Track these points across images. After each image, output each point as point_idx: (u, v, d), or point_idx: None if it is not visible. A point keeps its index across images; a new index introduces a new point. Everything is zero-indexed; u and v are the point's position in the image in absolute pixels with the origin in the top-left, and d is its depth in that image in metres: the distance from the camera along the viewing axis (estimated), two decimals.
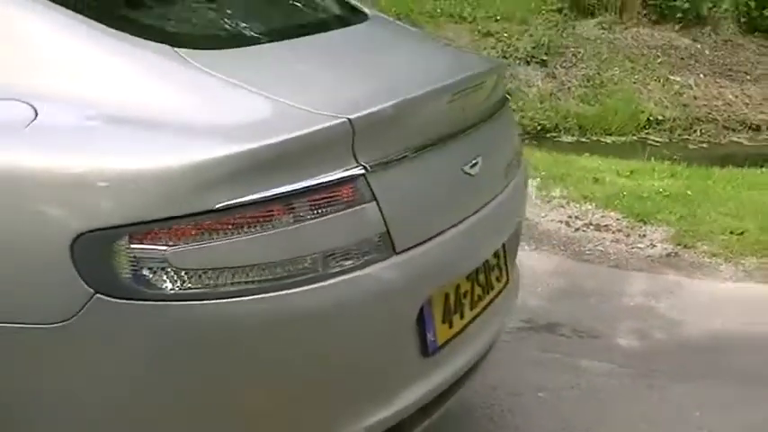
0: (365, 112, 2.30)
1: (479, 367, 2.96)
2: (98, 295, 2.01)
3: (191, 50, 2.37)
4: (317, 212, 2.17)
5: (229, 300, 2.07)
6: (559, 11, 13.24)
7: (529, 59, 12.23)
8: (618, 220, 5.96)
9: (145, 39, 2.36)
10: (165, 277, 2.03)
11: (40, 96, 2.14)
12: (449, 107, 2.65)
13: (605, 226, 5.88)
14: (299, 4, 3.40)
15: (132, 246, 2.01)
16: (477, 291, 2.79)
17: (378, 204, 2.29)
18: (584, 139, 11.11)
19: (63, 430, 2.14)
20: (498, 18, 12.84)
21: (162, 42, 2.36)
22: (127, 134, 2.13)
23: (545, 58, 12.25)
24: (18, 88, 2.16)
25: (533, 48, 12.33)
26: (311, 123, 2.20)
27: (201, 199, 2.03)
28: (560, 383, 3.92)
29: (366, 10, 3.41)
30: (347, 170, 2.23)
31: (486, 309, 2.84)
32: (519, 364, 4.05)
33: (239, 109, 2.25)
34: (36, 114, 2.12)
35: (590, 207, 6.13)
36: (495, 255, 2.92)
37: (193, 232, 2.03)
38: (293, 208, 2.13)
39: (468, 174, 2.69)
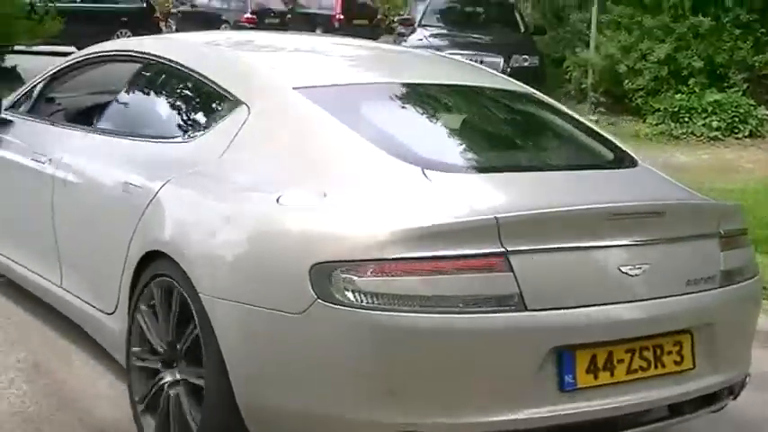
0: (509, 214, 3.50)
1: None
2: (318, 300, 3.40)
3: (435, 172, 3.78)
4: (461, 271, 3.39)
5: (393, 313, 3.35)
6: None
7: None
8: None
9: (407, 162, 3.83)
10: (354, 294, 3.37)
11: (330, 186, 3.72)
12: (608, 223, 3.65)
13: None
14: (558, 145, 4.74)
15: (339, 274, 3.38)
16: (639, 362, 3.69)
17: (514, 275, 3.42)
18: None
19: (278, 365, 3.56)
20: None
21: (416, 165, 3.80)
22: (356, 215, 3.57)
23: None
24: (320, 183, 3.75)
25: None
26: (470, 216, 3.51)
27: (383, 251, 3.38)
28: None
29: (637, 159, 4.48)
30: (491, 249, 3.42)
31: (650, 380, 3.72)
32: None
33: (434, 208, 3.58)
34: (325, 195, 3.69)
35: None
36: (676, 343, 3.78)
37: (374, 270, 3.37)
38: (442, 265, 3.38)
39: (627, 274, 3.64)
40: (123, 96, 5.15)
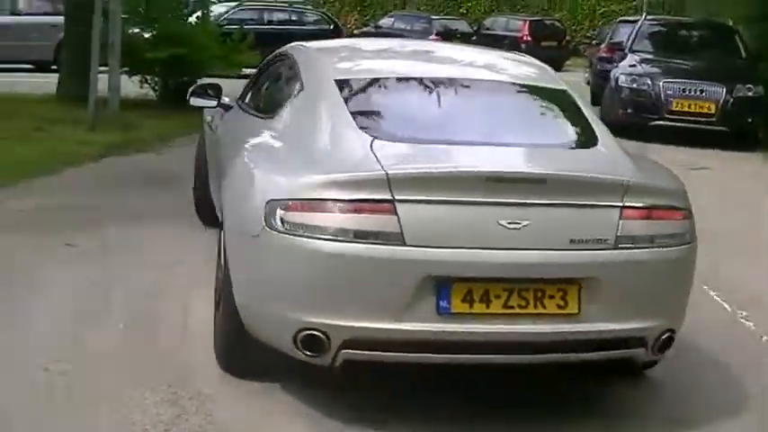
0: (397, 171, 4.53)
1: (509, 358, 4.67)
2: (264, 227, 4.62)
3: (381, 141, 4.85)
4: (361, 210, 4.45)
5: (305, 239, 4.49)
6: None
7: None
8: None
9: (364, 131, 4.95)
10: (282, 224, 4.56)
11: (311, 148, 5.02)
12: (490, 185, 4.50)
13: None
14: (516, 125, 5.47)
15: (276, 208, 4.57)
16: (517, 300, 4.52)
17: (398, 217, 4.43)
18: None
19: (244, 266, 4.91)
20: None
21: (369, 135, 4.90)
22: (300, 167, 4.84)
23: None
24: (309, 146, 5.06)
25: None
26: (368, 171, 4.57)
27: (302, 194, 4.57)
28: None
29: (601, 138, 5.21)
30: (381, 196, 4.45)
31: (528, 317, 4.55)
32: None
33: (355, 165, 4.67)
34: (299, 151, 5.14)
35: None
36: (560, 290, 4.55)
37: (295, 207, 4.54)
38: (347, 206, 4.46)
39: (505, 227, 4.48)
40: (267, 85, 6.88)
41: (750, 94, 15.57)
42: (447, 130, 5.24)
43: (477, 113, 5.56)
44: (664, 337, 4.81)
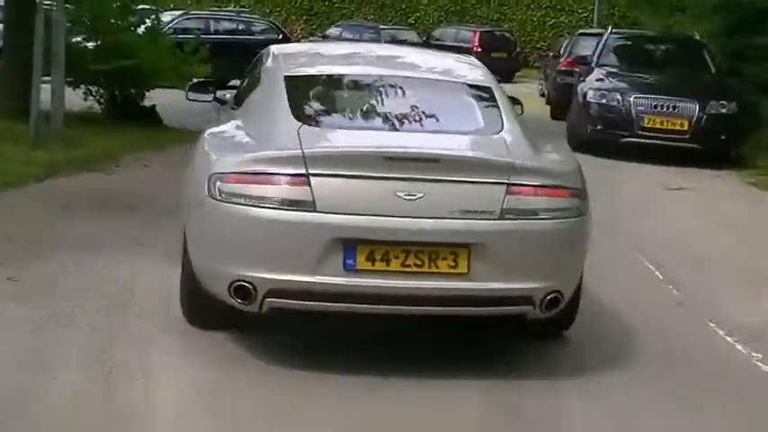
0: (310, 151, 5.38)
1: (408, 309, 5.48)
2: (207, 196, 5.48)
3: (308, 127, 5.75)
4: (281, 182, 5.33)
5: (237, 206, 5.35)
6: None
7: None
8: None
9: (297, 119, 5.79)
10: (218, 193, 5.42)
11: (249, 130, 6.05)
12: (389, 163, 5.34)
13: None
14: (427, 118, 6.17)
15: (216, 180, 5.44)
16: (413, 260, 5.32)
17: (311, 189, 5.26)
18: None
19: (194, 229, 5.80)
20: None
21: (297, 121, 5.78)
22: (235, 146, 5.90)
23: None
24: (249, 129, 6.08)
25: None
26: (291, 151, 5.42)
27: (235, 168, 5.46)
28: None
29: (507, 127, 5.96)
30: (298, 171, 5.30)
31: (423, 275, 5.35)
32: None
33: (279, 145, 5.56)
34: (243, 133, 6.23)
35: None
36: (452, 252, 5.35)
37: (229, 179, 5.41)
38: (270, 178, 5.35)
39: (402, 198, 5.29)
40: (244, 83, 7.45)
41: (723, 110, 14.93)
42: (367, 119, 6.20)
43: (399, 105, 6.23)
44: (550, 297, 5.53)
